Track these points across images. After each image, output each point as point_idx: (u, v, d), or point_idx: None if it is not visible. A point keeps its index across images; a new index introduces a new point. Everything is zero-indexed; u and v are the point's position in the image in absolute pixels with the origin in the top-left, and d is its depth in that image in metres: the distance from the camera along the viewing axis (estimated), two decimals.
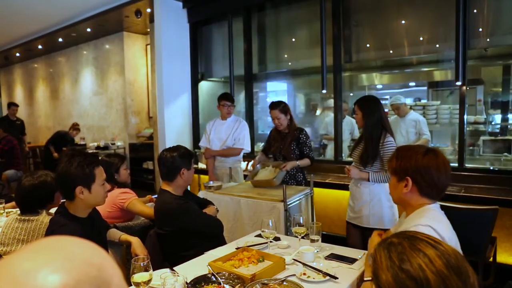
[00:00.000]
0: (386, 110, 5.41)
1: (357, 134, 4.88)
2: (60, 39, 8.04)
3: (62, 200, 1.93)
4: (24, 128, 7.51)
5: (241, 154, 3.94)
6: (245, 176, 4.10)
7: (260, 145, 5.07)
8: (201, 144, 4.02)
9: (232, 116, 3.92)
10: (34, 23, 7.20)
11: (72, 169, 1.74)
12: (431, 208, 1.44)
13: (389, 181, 1.58)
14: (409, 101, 5.41)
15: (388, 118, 4.73)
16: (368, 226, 2.63)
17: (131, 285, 1.49)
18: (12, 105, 7.31)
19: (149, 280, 1.47)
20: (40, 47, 8.77)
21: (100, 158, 2.48)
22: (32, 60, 10.29)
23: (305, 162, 3.25)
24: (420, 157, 1.43)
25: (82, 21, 6.73)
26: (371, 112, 2.61)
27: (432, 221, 1.34)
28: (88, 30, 7.30)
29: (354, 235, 2.76)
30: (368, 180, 2.60)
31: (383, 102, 6.08)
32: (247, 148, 3.87)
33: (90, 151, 7.57)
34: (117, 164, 2.80)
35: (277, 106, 3.29)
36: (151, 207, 3.05)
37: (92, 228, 1.89)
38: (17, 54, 9.66)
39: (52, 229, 1.79)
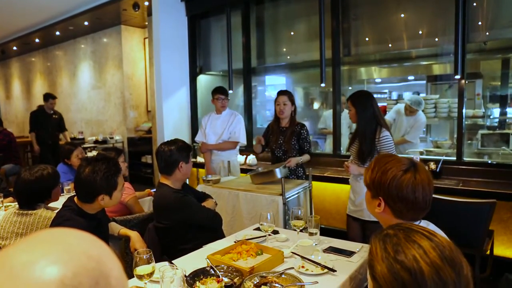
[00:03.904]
0: (385, 104, 5.42)
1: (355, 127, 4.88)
2: (58, 33, 7.98)
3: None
4: (63, 123, 6.56)
5: (238, 148, 3.96)
6: (242, 170, 4.10)
7: None
8: (197, 138, 4.03)
9: (227, 110, 3.93)
10: (31, 16, 7.13)
11: (98, 179, 1.77)
12: None
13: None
14: (407, 95, 5.40)
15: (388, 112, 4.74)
16: (369, 219, 2.65)
17: (131, 277, 1.50)
18: (49, 98, 6.27)
19: (152, 273, 1.48)
20: (37, 40, 8.71)
21: (97, 152, 2.48)
22: (29, 53, 10.21)
23: (306, 158, 3.29)
24: (397, 177, 1.27)
25: (79, 14, 6.67)
26: (364, 107, 2.62)
27: None
28: (86, 23, 7.24)
29: (354, 228, 2.78)
30: None
31: (382, 96, 6.09)
32: (243, 142, 3.88)
33: (88, 145, 7.55)
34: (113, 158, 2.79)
35: (286, 93, 3.35)
36: (149, 201, 3.06)
37: (98, 224, 1.91)
38: (14, 48, 9.59)
39: (58, 222, 1.81)
